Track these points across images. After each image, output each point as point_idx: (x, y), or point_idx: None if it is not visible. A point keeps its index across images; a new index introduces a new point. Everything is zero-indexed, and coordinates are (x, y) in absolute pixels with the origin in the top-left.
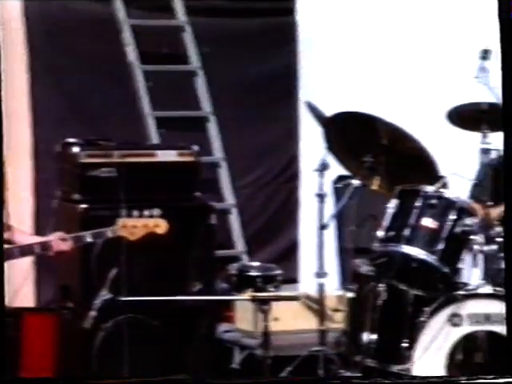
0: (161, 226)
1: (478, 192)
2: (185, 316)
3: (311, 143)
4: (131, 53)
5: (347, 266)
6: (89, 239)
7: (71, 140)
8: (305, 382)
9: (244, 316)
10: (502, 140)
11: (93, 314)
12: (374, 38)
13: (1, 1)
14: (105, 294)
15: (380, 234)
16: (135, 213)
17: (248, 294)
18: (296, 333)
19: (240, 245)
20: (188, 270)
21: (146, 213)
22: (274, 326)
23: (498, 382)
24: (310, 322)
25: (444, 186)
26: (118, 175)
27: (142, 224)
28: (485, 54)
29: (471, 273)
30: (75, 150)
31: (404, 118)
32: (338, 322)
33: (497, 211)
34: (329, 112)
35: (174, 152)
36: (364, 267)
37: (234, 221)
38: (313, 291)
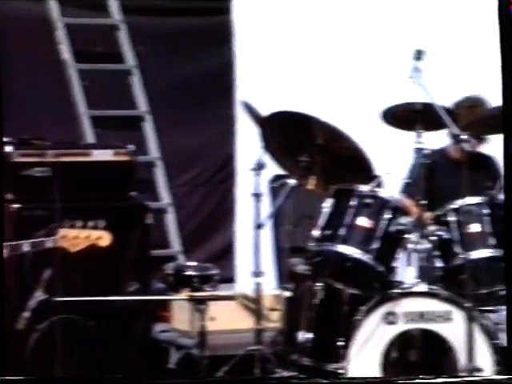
0: (104, 239)
1: (410, 191)
2: (121, 316)
3: (247, 143)
4: (65, 51)
5: (283, 266)
6: (27, 248)
7: (4, 139)
8: (242, 382)
9: (180, 316)
10: (503, 140)
11: (26, 314)
12: (310, 38)
13: None
14: (39, 295)
15: (316, 233)
16: (78, 223)
17: (184, 294)
18: (232, 332)
19: (176, 244)
20: (124, 270)
21: (90, 224)
22: (210, 326)
23: (436, 381)
24: (246, 322)
25: (379, 185)
26: (53, 175)
27: (84, 236)
28: (418, 55)
29: (406, 271)
30: (8, 149)
31: (339, 118)
32: (274, 321)
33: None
34: (265, 111)
35: (109, 151)
36: (300, 266)
37: (170, 220)
38: (249, 290)
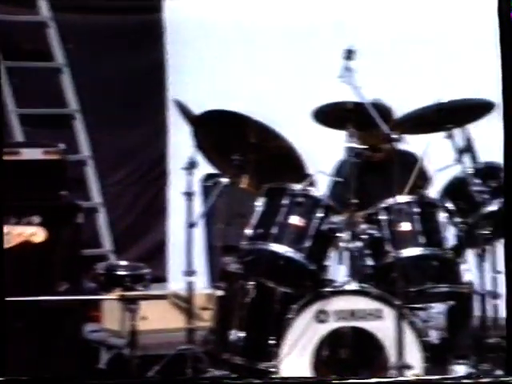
0: (38, 235)
1: (341, 190)
2: (51, 316)
3: (180, 141)
4: None
5: (216, 265)
6: None
7: None
8: (173, 382)
9: (111, 316)
10: (503, 140)
11: None
12: (242, 36)
13: None
14: None
15: (248, 232)
16: (12, 220)
17: (116, 294)
18: (164, 332)
19: (107, 244)
20: (54, 269)
21: (24, 220)
22: (141, 325)
23: (369, 381)
24: (178, 321)
25: (311, 184)
26: None
27: (17, 232)
28: (349, 54)
29: (337, 270)
30: None
31: (272, 117)
32: (206, 320)
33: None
34: (197, 110)
35: (39, 150)
36: (232, 265)
37: (102, 220)
38: (181, 290)
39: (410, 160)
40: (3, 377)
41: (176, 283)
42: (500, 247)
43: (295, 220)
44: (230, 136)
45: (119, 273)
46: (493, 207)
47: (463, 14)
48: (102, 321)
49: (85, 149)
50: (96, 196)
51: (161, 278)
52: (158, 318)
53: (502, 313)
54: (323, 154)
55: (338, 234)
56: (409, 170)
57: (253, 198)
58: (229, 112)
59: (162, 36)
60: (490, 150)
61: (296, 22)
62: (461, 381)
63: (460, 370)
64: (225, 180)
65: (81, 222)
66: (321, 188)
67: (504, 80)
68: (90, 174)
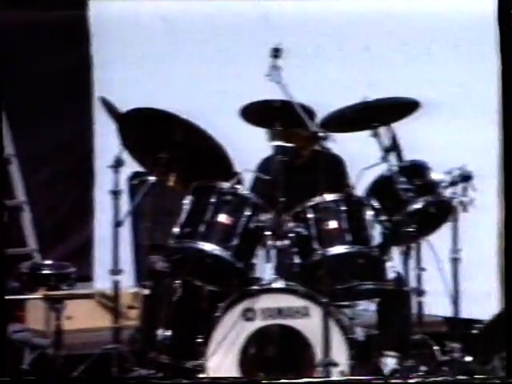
0: None
1: (268, 188)
2: None
3: (106, 139)
4: None
5: (143, 263)
6: None
7: None
8: (98, 381)
9: (36, 315)
10: (503, 139)
11: None
12: (168, 33)
13: None
14: None
15: (176, 230)
16: None
17: (40, 293)
18: (90, 331)
19: (32, 243)
20: None
21: None
22: (66, 325)
23: (298, 381)
24: (104, 320)
25: (239, 182)
26: None
27: None
28: (276, 53)
29: (264, 268)
30: None
31: (199, 115)
32: (132, 319)
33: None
34: (124, 108)
35: None
36: (159, 264)
37: (26, 218)
38: (107, 289)
39: (335, 159)
40: (3, 377)
41: (102, 282)
42: (425, 245)
43: (223, 218)
44: (156, 134)
45: (44, 272)
46: (417, 205)
47: (392, 13)
48: (26, 321)
49: (8, 147)
50: (20, 194)
51: (87, 277)
52: (83, 318)
53: (427, 310)
54: (250, 152)
55: (265, 232)
56: (335, 168)
57: (180, 197)
58: (155, 110)
59: (87, 33)
60: (416, 149)
61: (223, 18)
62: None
63: (386, 366)
64: (152, 178)
65: (4, 221)
66: (248, 186)
67: (504, 80)
68: (14, 172)
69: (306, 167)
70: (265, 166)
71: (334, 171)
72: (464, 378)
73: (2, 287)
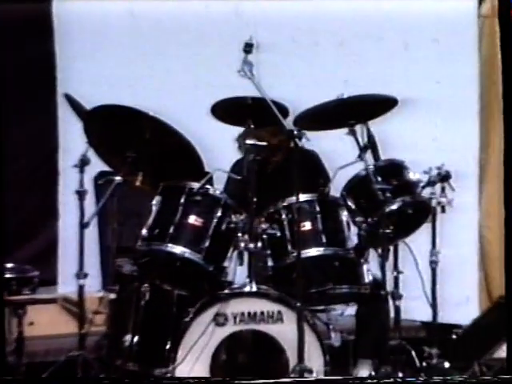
0: None
1: (240, 189)
2: None
3: (71, 138)
4: None
5: (109, 266)
6: None
7: None
8: None
9: None
10: (503, 139)
11: None
12: (136, 28)
13: None
14: None
15: (144, 232)
16: None
17: None
18: (53, 337)
19: None
20: None
21: None
22: (29, 331)
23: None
24: (68, 326)
25: (209, 182)
26: None
27: None
28: (248, 48)
29: (237, 271)
30: None
31: (168, 112)
32: (98, 324)
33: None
34: (89, 105)
35: None
36: (127, 267)
37: None
38: (72, 293)
39: (310, 157)
40: (3, 376)
41: (66, 286)
42: (402, 247)
43: (193, 219)
44: (123, 132)
45: (5, 276)
46: (394, 206)
47: (368, 8)
48: None
49: None
50: None
51: (50, 281)
52: (46, 324)
53: (404, 314)
54: (222, 151)
55: (237, 234)
56: (309, 167)
57: (149, 197)
58: (122, 107)
59: (51, 27)
60: (392, 147)
61: (193, 14)
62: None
63: (362, 372)
64: (118, 178)
65: None
66: (219, 186)
67: (504, 80)
68: None
69: (279, 166)
70: (238, 165)
71: (308, 169)
72: (465, 377)
73: (2, 288)
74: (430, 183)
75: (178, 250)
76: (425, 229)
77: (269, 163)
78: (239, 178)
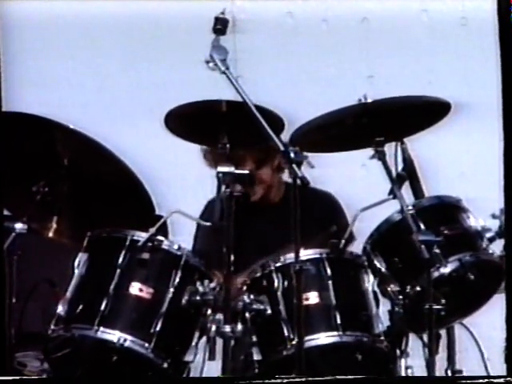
0: None
1: (212, 241)
2: None
3: None
4: None
5: (6, 364)
6: None
7: None
8: None
9: None
10: (503, 139)
11: None
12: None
13: None
14: None
15: (60, 309)
16: None
17: None
18: None
19: None
20: None
21: None
22: None
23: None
24: None
25: (163, 230)
26: None
27: None
28: (219, 26)
29: (204, 369)
30: None
31: (98, 125)
32: None
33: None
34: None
35: None
36: (33, 364)
37: None
38: None
39: (317, 194)
40: (3, 376)
41: None
42: (460, 331)
43: (137, 289)
44: (30, 154)
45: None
46: (447, 268)
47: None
48: None
49: None
50: None
51: None
52: None
53: None
54: (184, 183)
55: (205, 312)
56: (316, 208)
57: (68, 254)
58: (31, 117)
59: None
60: (439, 176)
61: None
62: None
63: None
64: (20, 226)
65: None
66: (179, 238)
67: (504, 81)
68: None
69: (269, 207)
70: (211, 206)
71: (314, 210)
72: (465, 376)
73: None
74: (503, 233)
75: (113, 336)
76: (495, 304)
77: (253, 202)
78: (208, 224)
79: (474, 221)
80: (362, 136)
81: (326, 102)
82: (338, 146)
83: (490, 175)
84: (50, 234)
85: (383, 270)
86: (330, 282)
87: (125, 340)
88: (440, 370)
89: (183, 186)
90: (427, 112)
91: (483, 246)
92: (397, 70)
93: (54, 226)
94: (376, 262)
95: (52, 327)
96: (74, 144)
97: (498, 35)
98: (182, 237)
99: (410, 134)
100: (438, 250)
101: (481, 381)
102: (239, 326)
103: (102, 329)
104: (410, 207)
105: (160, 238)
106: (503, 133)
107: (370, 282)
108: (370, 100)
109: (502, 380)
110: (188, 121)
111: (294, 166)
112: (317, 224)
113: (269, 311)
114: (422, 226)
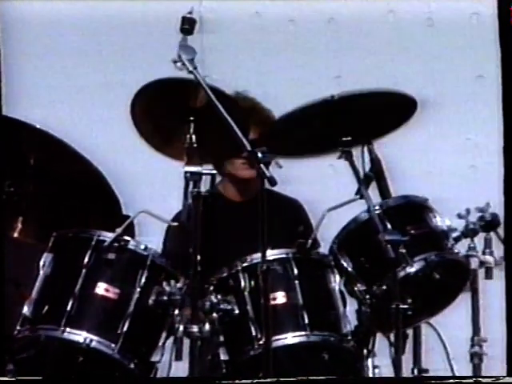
0: None
1: (178, 242)
2: None
3: None
4: None
5: None
6: None
7: None
8: None
9: None
10: (503, 139)
11: None
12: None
13: None
14: None
15: (26, 310)
16: None
17: None
18: None
19: None
20: None
21: None
22: None
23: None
24: None
25: (128, 231)
26: None
27: None
28: (187, 25)
29: (171, 368)
30: None
31: (67, 124)
32: None
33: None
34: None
35: None
36: None
37: None
38: None
39: (285, 200)
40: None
41: None
42: (426, 330)
43: (103, 289)
44: None
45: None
46: (413, 268)
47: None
48: None
49: None
50: None
51: None
52: None
53: None
54: (151, 181)
55: (172, 312)
56: (283, 209)
57: (33, 254)
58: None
59: None
60: (406, 176)
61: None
62: None
63: None
64: None
65: None
66: (146, 237)
67: (504, 81)
68: None
69: (236, 206)
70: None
71: (281, 211)
72: (433, 376)
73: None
74: (469, 233)
75: (79, 337)
76: (461, 303)
77: (222, 202)
78: (175, 224)
79: (440, 220)
80: (329, 136)
81: (294, 103)
82: (304, 147)
83: (456, 175)
84: (15, 234)
85: (350, 269)
86: (296, 281)
87: (91, 340)
88: (406, 369)
89: (151, 185)
90: (394, 107)
91: (449, 246)
92: (364, 71)
93: (20, 226)
94: (343, 262)
95: (18, 328)
96: (39, 143)
97: (498, 35)
98: (149, 237)
99: (377, 136)
100: (404, 250)
101: (451, 381)
102: (206, 326)
103: (68, 329)
104: (377, 207)
105: (126, 238)
106: (503, 133)
107: (336, 282)
108: (338, 95)
109: (471, 380)
110: (154, 117)
111: (262, 165)
112: (283, 226)
113: (236, 311)
114: (389, 226)
